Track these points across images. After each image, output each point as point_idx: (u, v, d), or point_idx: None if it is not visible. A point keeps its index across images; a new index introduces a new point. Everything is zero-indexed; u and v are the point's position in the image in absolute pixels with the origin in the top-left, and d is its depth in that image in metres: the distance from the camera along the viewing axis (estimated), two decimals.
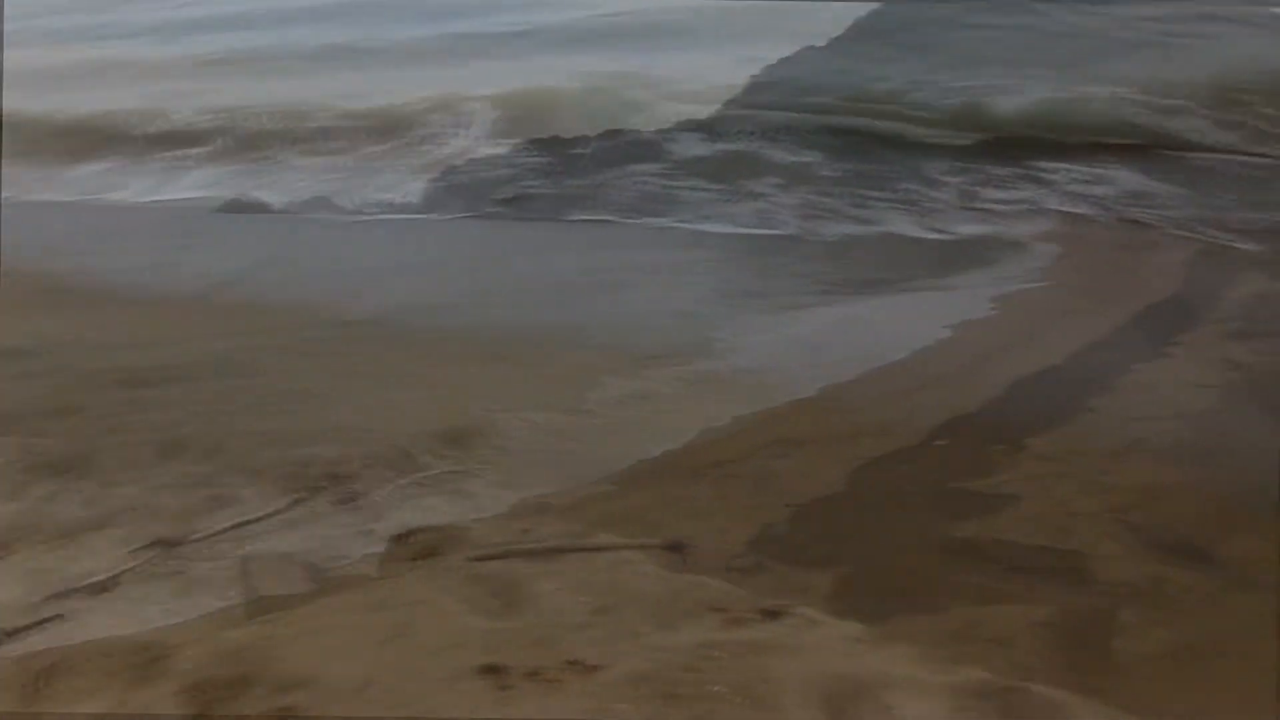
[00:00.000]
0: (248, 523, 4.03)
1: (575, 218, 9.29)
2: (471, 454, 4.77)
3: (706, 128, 10.52)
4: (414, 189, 9.58)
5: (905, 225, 8.67)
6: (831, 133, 10.42)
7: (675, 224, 8.99)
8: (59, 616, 3.37)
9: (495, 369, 6.29)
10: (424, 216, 9.22)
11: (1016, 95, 10.52)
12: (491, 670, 2.91)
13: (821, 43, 12.97)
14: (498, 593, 3.34)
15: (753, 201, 9.17)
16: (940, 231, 8.47)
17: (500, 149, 10.38)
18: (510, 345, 6.63)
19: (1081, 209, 8.67)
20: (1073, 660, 3.65)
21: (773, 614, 2.83)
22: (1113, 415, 5.58)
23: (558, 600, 3.18)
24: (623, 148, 10.25)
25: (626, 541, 3.45)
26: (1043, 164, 9.39)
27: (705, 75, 11.71)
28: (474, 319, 7.18)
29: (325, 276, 8.09)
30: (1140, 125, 9.79)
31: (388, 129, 10.69)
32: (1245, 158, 9.26)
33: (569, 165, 10.05)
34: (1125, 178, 9.09)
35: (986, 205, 8.81)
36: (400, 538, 3.79)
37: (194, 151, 10.98)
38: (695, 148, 10.15)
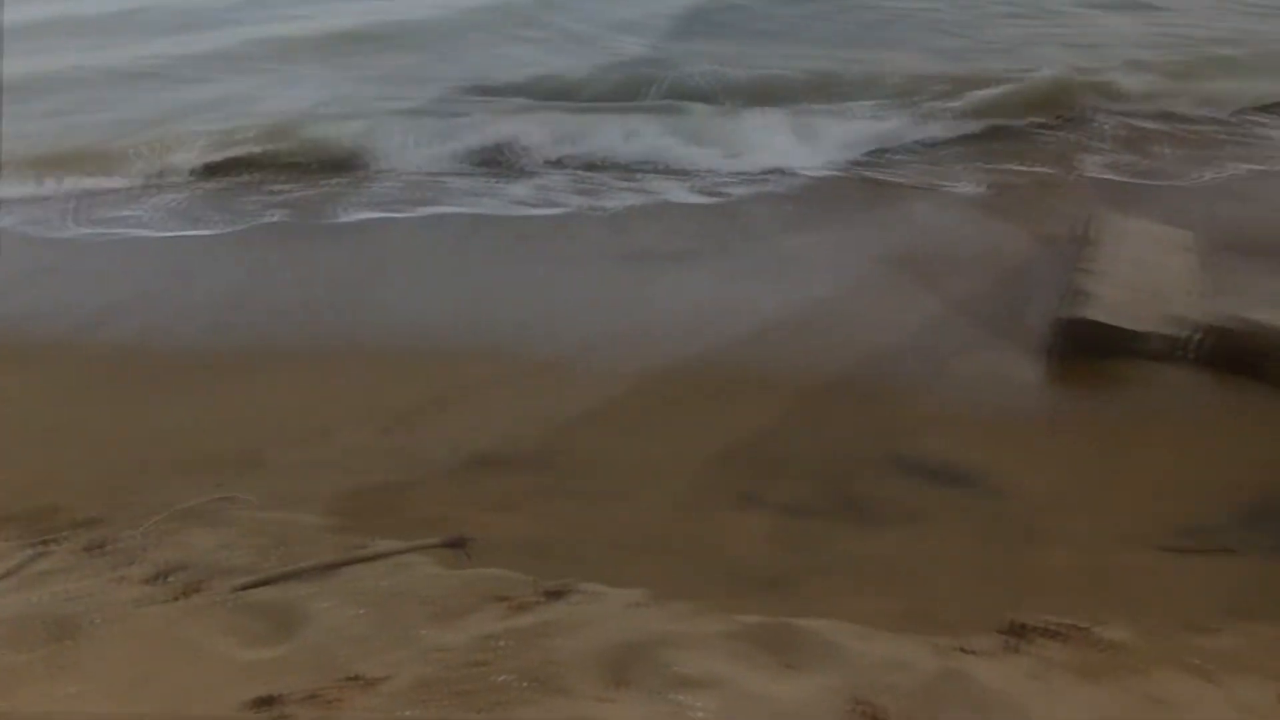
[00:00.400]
0: None
1: (344, 219, 8.86)
2: (235, 479, 4.44)
3: None
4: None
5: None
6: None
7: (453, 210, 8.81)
8: None
9: (258, 386, 5.92)
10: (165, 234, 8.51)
11: None
12: (265, 702, 2.70)
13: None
14: (269, 620, 3.10)
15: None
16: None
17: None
18: (273, 360, 6.26)
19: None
20: (838, 589, 3.86)
21: (556, 594, 2.79)
22: (868, 359, 5.96)
23: (334, 617, 3.00)
24: None
25: (404, 545, 3.30)
26: None
27: None
28: (233, 335, 6.73)
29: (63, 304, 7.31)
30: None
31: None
32: None
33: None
34: None
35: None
36: (156, 578, 3.45)
37: None
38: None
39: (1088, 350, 5.81)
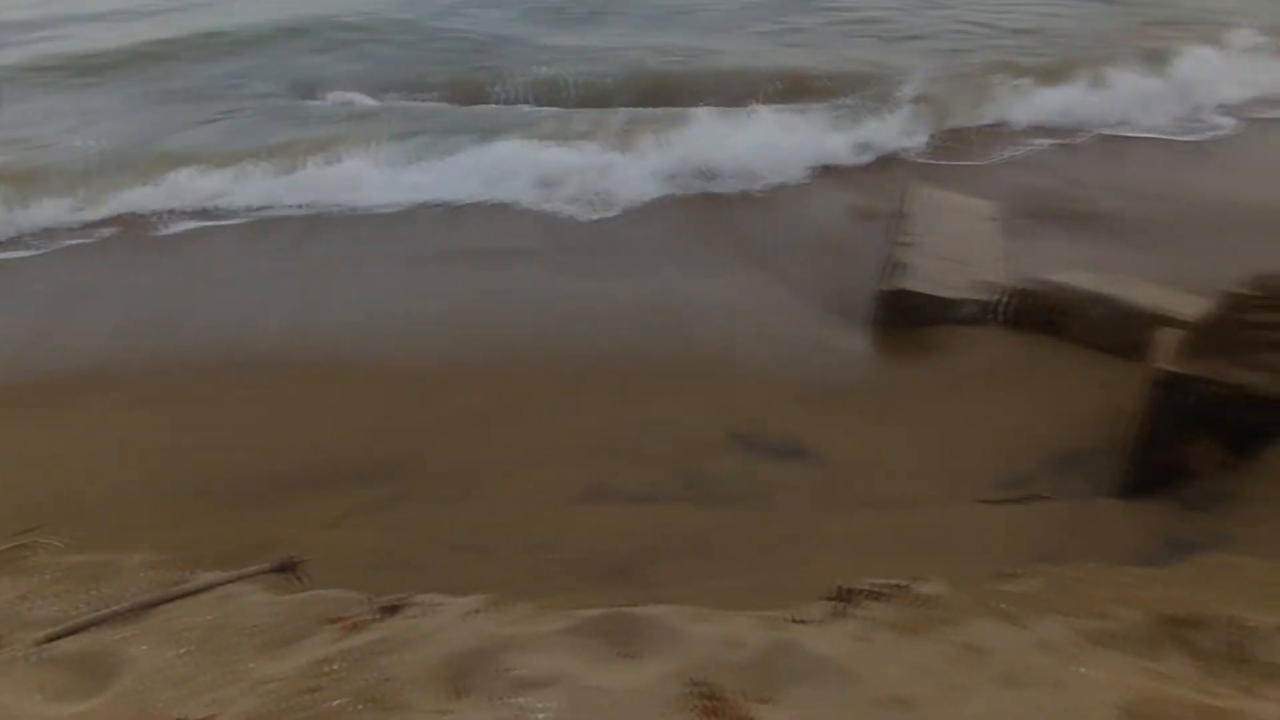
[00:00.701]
0: None
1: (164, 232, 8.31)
2: (41, 520, 4.09)
3: None
4: None
5: None
6: None
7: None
8: None
9: (69, 418, 5.48)
10: None
11: None
12: None
13: None
14: (80, 671, 2.86)
15: None
16: None
17: None
18: (87, 388, 5.81)
19: None
20: (684, 572, 3.92)
21: (392, 609, 2.69)
22: (706, 344, 6.08)
23: (153, 660, 2.79)
24: None
25: (228, 575, 3.11)
26: None
27: None
28: (39, 365, 6.20)
29: None
30: None
31: None
32: None
33: None
34: None
35: None
36: None
37: None
38: None
39: (908, 319, 6.12)
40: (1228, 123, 9.69)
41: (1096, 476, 4.45)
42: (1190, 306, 4.87)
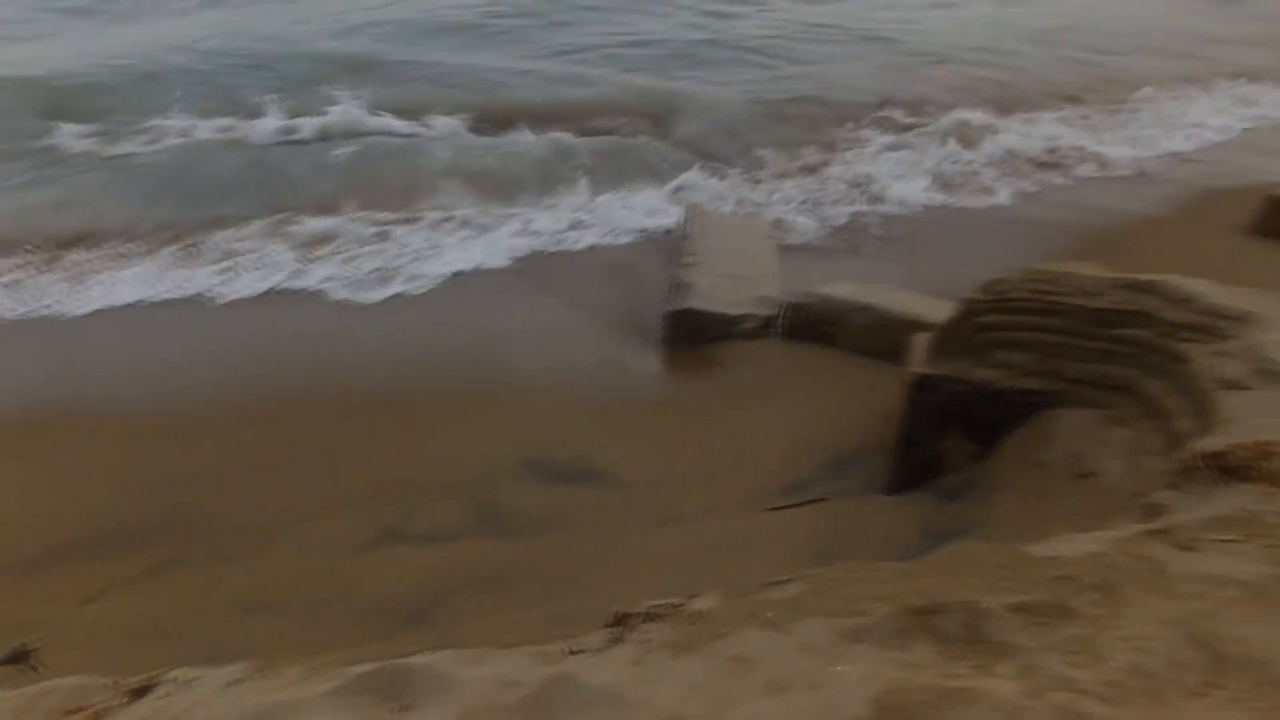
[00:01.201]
0: None
1: None
2: None
3: None
4: None
5: None
6: None
7: None
8: None
9: None
10: None
11: None
12: None
13: None
14: None
15: None
16: None
17: None
18: None
19: None
20: (480, 609, 3.85)
21: (142, 690, 2.46)
22: (500, 373, 6.01)
23: None
24: None
25: None
26: None
27: None
28: None
29: None
30: None
31: None
32: None
33: None
34: None
35: None
36: None
37: None
38: None
39: (695, 337, 6.31)
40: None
41: (869, 475, 4.73)
42: (940, 311, 5.28)
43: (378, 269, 7.31)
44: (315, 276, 7.23)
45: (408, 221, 8.03)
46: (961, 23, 15.06)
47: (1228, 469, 2.60)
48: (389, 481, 4.97)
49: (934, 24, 14.93)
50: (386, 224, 7.98)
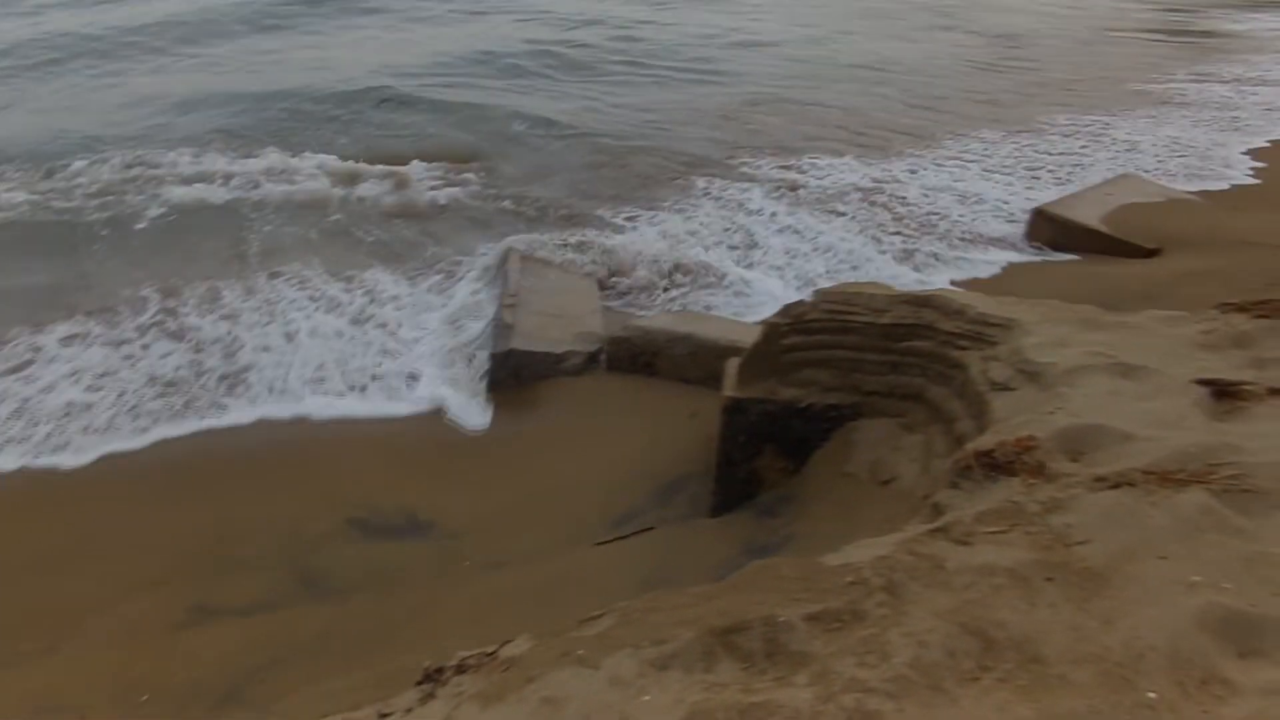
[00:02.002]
0: None
1: None
2: None
3: None
4: None
5: None
6: None
7: None
8: None
9: None
10: None
11: None
12: None
13: None
14: None
15: None
16: None
17: None
18: None
19: None
20: (300, 679, 3.68)
21: None
22: (311, 429, 5.80)
23: None
24: None
25: None
26: None
27: None
28: None
29: None
30: None
31: None
32: None
33: None
34: None
35: None
36: None
37: None
38: None
39: (519, 377, 6.29)
40: None
41: (694, 500, 4.84)
42: (752, 335, 5.49)
43: None
44: None
45: None
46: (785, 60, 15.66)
47: (996, 465, 2.81)
48: (197, 554, 4.68)
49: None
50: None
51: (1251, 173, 9.62)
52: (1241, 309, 3.44)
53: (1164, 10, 20.05)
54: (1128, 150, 10.49)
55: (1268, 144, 10.96)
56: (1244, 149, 10.58)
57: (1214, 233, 6.66)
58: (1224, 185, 8.93)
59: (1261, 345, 3.19)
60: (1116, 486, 2.54)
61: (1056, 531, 2.42)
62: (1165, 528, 2.34)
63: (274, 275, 7.64)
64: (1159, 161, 9.99)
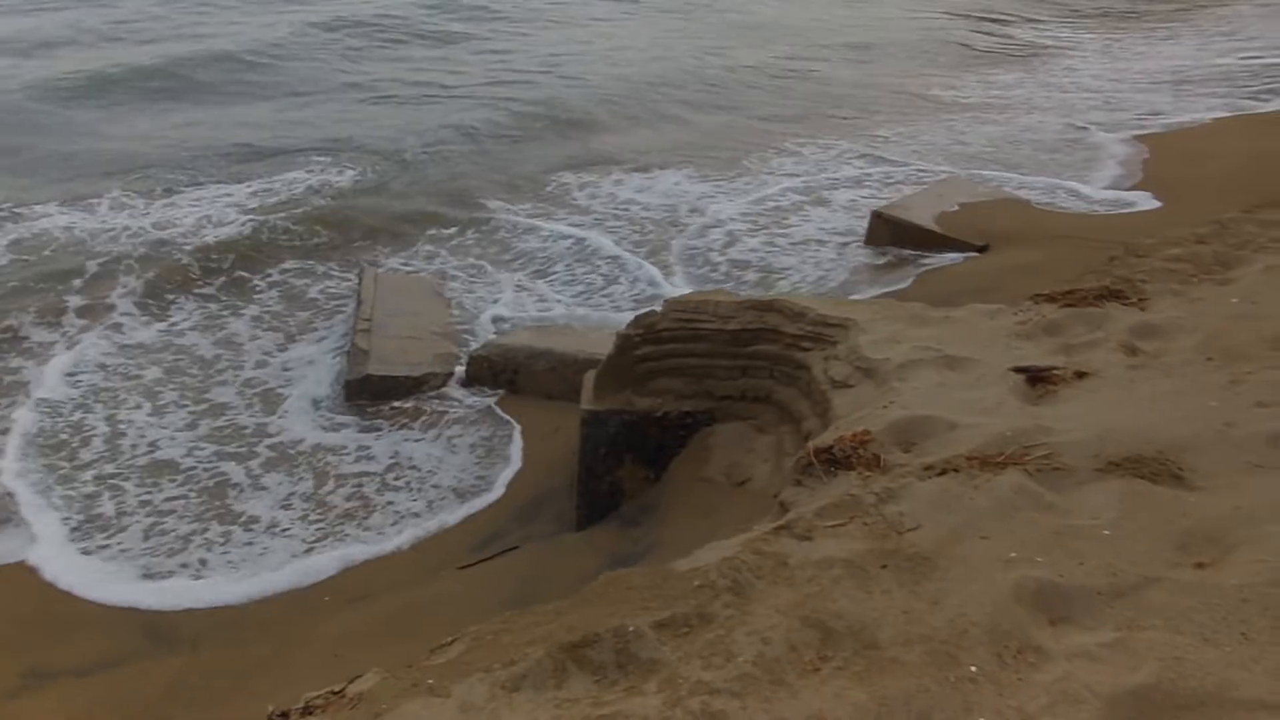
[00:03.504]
0: None
1: None
2: None
3: None
4: None
5: None
6: None
7: None
8: None
9: None
10: None
11: None
12: None
13: None
14: None
15: None
16: None
17: None
18: None
19: None
20: None
21: None
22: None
23: None
24: None
25: None
26: None
27: None
28: None
29: None
30: None
31: None
32: None
33: None
34: None
35: None
36: None
37: None
38: None
39: (380, 402, 6.14)
40: None
41: (559, 517, 4.83)
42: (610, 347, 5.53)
43: None
44: None
45: None
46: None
47: (835, 460, 2.92)
48: (28, 614, 4.35)
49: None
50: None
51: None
52: (1051, 299, 3.69)
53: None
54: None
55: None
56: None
57: (1035, 229, 7.14)
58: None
59: (1069, 332, 3.43)
60: (943, 473, 2.68)
61: (890, 520, 2.53)
62: (986, 509, 2.48)
63: None
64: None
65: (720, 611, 2.30)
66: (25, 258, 7.99)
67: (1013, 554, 2.27)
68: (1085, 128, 11.58)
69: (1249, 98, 12.72)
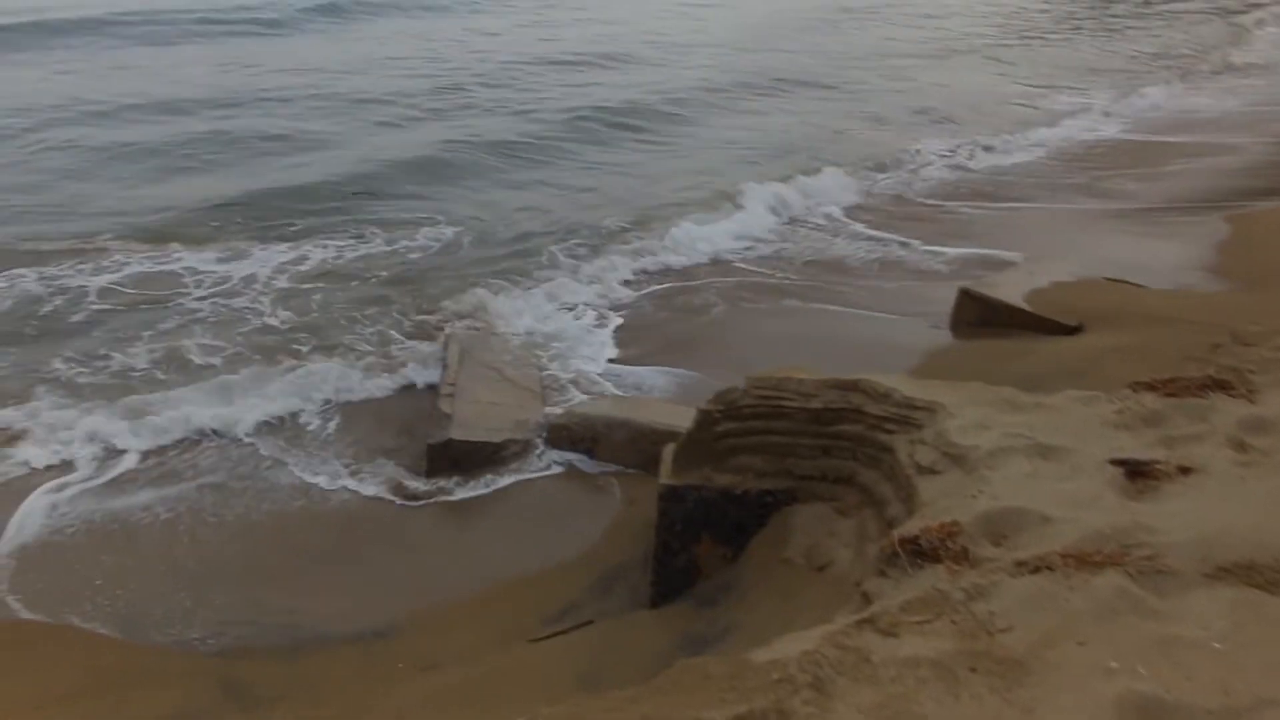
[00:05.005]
0: None
1: None
2: None
3: None
4: None
5: None
6: None
7: None
8: None
9: None
10: None
11: None
12: None
13: None
14: None
15: None
16: None
17: None
18: None
19: None
20: None
21: None
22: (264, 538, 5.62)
23: None
24: None
25: None
26: None
27: None
28: None
29: None
30: None
31: None
32: None
33: None
34: None
35: None
36: None
37: None
38: None
39: (460, 466, 6.21)
40: None
41: (633, 591, 4.77)
42: (688, 420, 5.51)
43: None
44: None
45: None
46: None
47: (921, 551, 2.83)
48: (104, 667, 4.45)
49: None
50: None
51: None
52: (1151, 387, 3.55)
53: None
54: None
55: None
56: None
57: (1132, 309, 6.91)
58: None
59: (1171, 424, 3.28)
60: (1036, 571, 2.56)
61: (980, 619, 2.43)
62: (1083, 612, 2.36)
63: None
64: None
65: (799, 709, 2.22)
66: None
67: (1113, 663, 2.14)
68: None
69: None
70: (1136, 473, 2.95)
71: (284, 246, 9.88)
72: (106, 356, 7.45)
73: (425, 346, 7.83)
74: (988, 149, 14.02)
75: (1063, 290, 7.43)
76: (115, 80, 16.29)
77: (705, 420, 4.40)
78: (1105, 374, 5.31)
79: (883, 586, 2.85)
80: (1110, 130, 15.17)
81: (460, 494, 5.99)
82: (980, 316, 7.31)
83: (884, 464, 3.86)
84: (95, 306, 8.35)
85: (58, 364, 7.25)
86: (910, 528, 2.98)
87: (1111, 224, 10.60)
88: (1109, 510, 2.80)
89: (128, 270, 9.08)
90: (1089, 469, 3.08)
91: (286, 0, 22.73)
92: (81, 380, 7.09)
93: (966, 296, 7.41)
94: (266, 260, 9.53)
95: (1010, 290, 7.42)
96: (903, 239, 10.30)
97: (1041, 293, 7.38)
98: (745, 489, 4.28)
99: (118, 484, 5.96)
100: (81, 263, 9.15)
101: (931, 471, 3.44)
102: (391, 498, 5.91)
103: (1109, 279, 7.78)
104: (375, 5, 23.57)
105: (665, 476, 4.49)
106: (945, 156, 13.63)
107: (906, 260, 9.72)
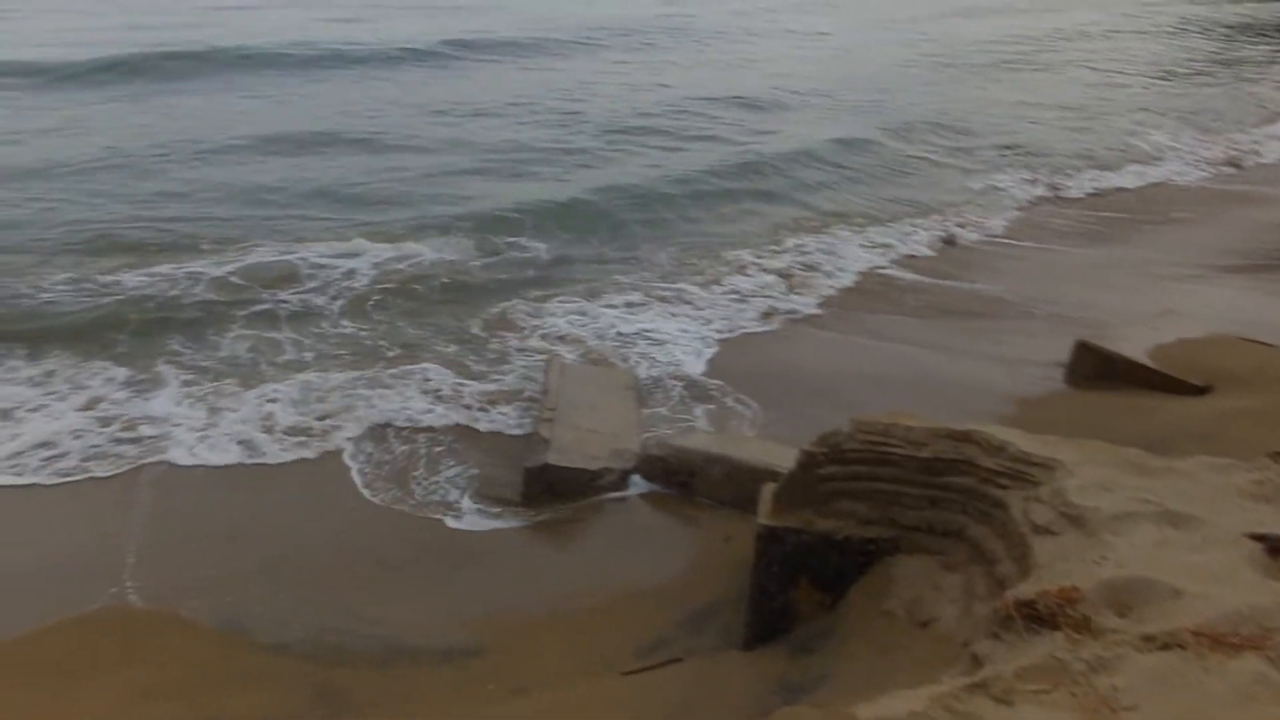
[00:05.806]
0: None
1: None
2: None
3: None
4: None
5: None
6: None
7: None
8: None
9: None
10: None
11: None
12: None
13: None
14: None
15: None
16: None
17: None
18: None
19: None
20: None
21: None
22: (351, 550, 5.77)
23: None
24: None
25: None
26: None
27: None
28: None
29: None
30: None
31: None
32: None
33: None
34: None
35: None
36: None
37: None
38: None
39: (554, 493, 6.25)
40: None
41: (725, 630, 4.70)
42: (791, 459, 5.42)
43: None
44: None
45: None
46: None
47: (1038, 617, 2.70)
48: (206, 664, 4.61)
49: None
50: None
51: None
52: None
53: None
54: None
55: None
56: None
57: (1268, 370, 6.52)
58: None
59: None
60: (1166, 648, 2.42)
61: (1103, 694, 2.30)
62: (1218, 696, 2.21)
63: None
64: None
65: None
66: None
67: None
68: None
69: None
70: (1277, 549, 2.76)
71: None
72: None
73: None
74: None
75: (1190, 347, 7.07)
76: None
77: (808, 462, 4.32)
78: (1236, 439, 5.02)
79: (995, 650, 2.73)
80: None
81: (553, 518, 6.03)
82: (1098, 369, 7.02)
83: (996, 520, 3.72)
84: None
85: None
86: (1026, 590, 2.85)
87: (1245, 280, 10.06)
88: (1247, 588, 2.63)
89: None
90: (1224, 542, 2.90)
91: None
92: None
93: (1084, 349, 7.12)
94: None
95: (1133, 345, 7.10)
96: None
97: (1166, 348, 7.04)
98: (847, 535, 4.18)
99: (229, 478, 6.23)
100: None
101: (1048, 532, 3.30)
102: (486, 519, 5.99)
103: (1243, 338, 7.36)
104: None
105: (764, 517, 4.43)
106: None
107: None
